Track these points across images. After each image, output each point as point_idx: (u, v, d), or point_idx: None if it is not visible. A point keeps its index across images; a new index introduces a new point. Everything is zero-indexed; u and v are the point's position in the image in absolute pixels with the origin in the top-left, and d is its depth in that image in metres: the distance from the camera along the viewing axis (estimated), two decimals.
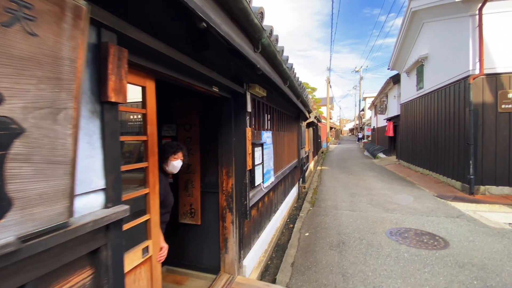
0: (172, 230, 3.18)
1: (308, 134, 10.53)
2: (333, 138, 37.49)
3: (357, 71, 35.67)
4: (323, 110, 25.95)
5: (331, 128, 33.40)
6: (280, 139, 4.92)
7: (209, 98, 2.85)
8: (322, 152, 19.21)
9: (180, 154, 2.22)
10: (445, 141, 7.89)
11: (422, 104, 9.87)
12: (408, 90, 11.56)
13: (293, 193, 6.51)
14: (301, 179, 7.66)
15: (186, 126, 3.05)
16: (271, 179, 3.85)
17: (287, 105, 5.44)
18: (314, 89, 20.18)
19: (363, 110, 35.99)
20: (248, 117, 2.81)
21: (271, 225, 4.13)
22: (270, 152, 3.90)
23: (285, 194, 5.53)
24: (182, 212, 3.09)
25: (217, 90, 2.39)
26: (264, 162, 3.43)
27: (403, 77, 12.27)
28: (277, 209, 4.75)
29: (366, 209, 5.48)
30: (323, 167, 12.39)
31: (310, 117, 8.31)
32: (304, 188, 7.94)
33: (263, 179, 3.43)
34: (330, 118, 30.72)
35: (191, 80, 1.94)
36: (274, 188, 4.44)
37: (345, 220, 4.76)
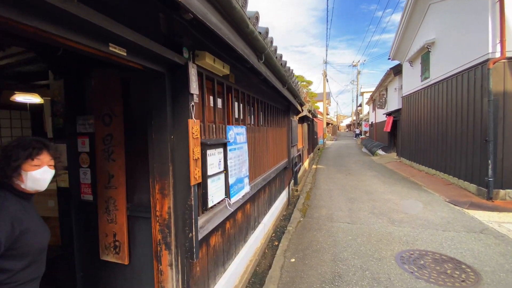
0: (92, 271, 2.21)
1: (302, 130, 9.54)
2: (330, 134, 36.56)
3: (354, 65, 34.80)
4: (320, 105, 24.91)
5: (328, 124, 32.40)
6: (262, 136, 3.92)
7: (136, 74, 1.85)
8: (318, 149, 18.26)
9: (44, 157, 1.21)
10: (456, 137, 6.94)
11: (427, 96, 8.90)
12: (411, 81, 10.58)
13: (282, 199, 5.54)
14: (292, 181, 6.68)
15: (105, 118, 2.03)
16: (244, 191, 2.86)
17: (272, 94, 4.43)
18: (309, 83, 19.19)
19: (360, 105, 35.00)
20: (192, 103, 1.81)
21: (247, 249, 3.15)
22: (243, 153, 2.91)
23: (270, 203, 4.55)
24: (104, 245, 2.09)
25: (125, 55, 1.37)
26: (229, 169, 2.44)
27: (406, 67, 11.27)
28: (258, 224, 3.77)
29: (368, 220, 4.53)
30: (318, 166, 11.43)
31: (302, 110, 7.31)
32: (297, 191, 6.99)
33: (228, 193, 2.44)
34: (327, 114, 29.74)
35: (37, 22, 0.92)
36: (252, 199, 3.46)
37: (343, 238, 3.80)
